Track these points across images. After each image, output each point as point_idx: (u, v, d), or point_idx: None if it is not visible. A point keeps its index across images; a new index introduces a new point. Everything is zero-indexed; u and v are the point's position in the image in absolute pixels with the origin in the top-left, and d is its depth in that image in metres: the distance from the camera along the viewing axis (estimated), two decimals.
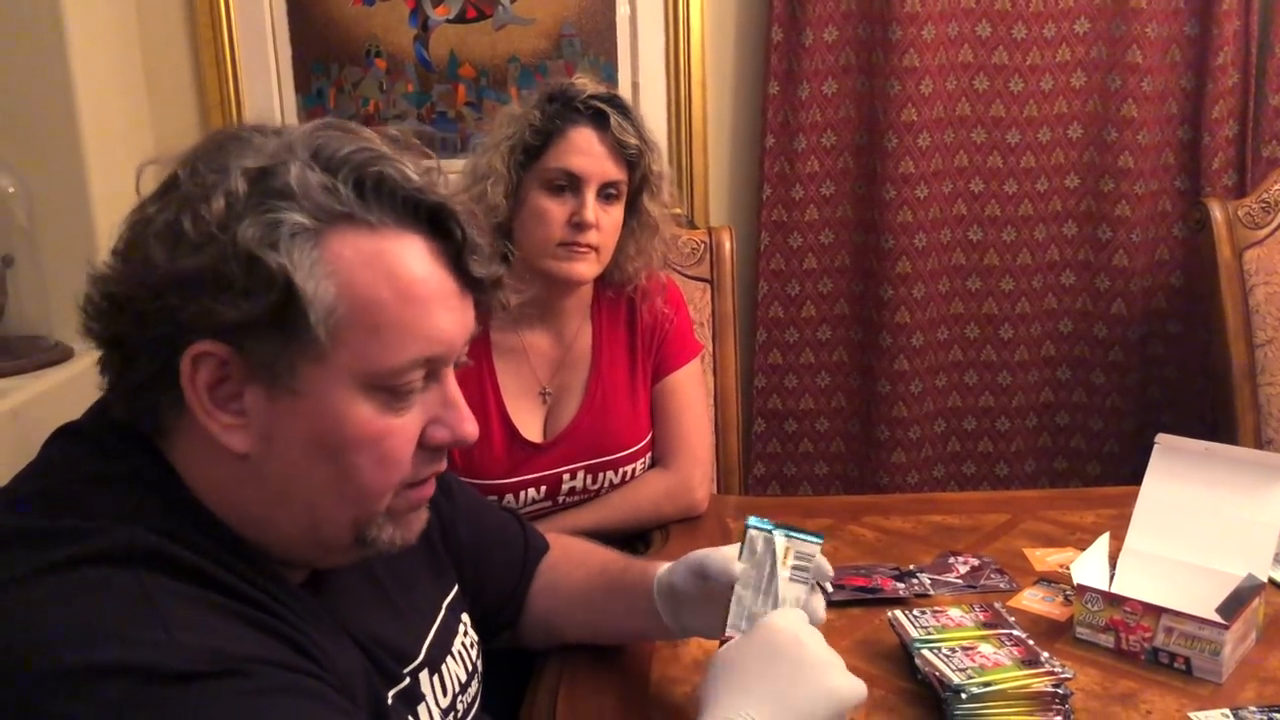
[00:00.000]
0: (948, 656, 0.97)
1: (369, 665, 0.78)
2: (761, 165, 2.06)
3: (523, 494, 1.42)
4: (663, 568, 1.00)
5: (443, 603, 0.93)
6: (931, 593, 1.20)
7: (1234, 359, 1.82)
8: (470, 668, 0.93)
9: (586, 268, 1.39)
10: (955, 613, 1.08)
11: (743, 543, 0.92)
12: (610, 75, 2.04)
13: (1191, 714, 0.96)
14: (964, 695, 0.92)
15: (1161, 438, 1.20)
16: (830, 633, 0.91)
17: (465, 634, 0.95)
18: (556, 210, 1.37)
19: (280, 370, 0.68)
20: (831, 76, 2.02)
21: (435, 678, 0.86)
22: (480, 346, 1.41)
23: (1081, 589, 1.09)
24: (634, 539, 1.45)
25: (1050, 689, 0.93)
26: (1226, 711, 0.96)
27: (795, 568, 0.91)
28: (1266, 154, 2.03)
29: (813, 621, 0.89)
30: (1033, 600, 1.19)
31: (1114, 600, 1.07)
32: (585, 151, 1.37)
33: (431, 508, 0.81)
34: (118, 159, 1.81)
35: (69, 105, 1.71)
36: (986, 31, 2.02)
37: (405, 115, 2.06)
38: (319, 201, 0.68)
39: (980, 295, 2.14)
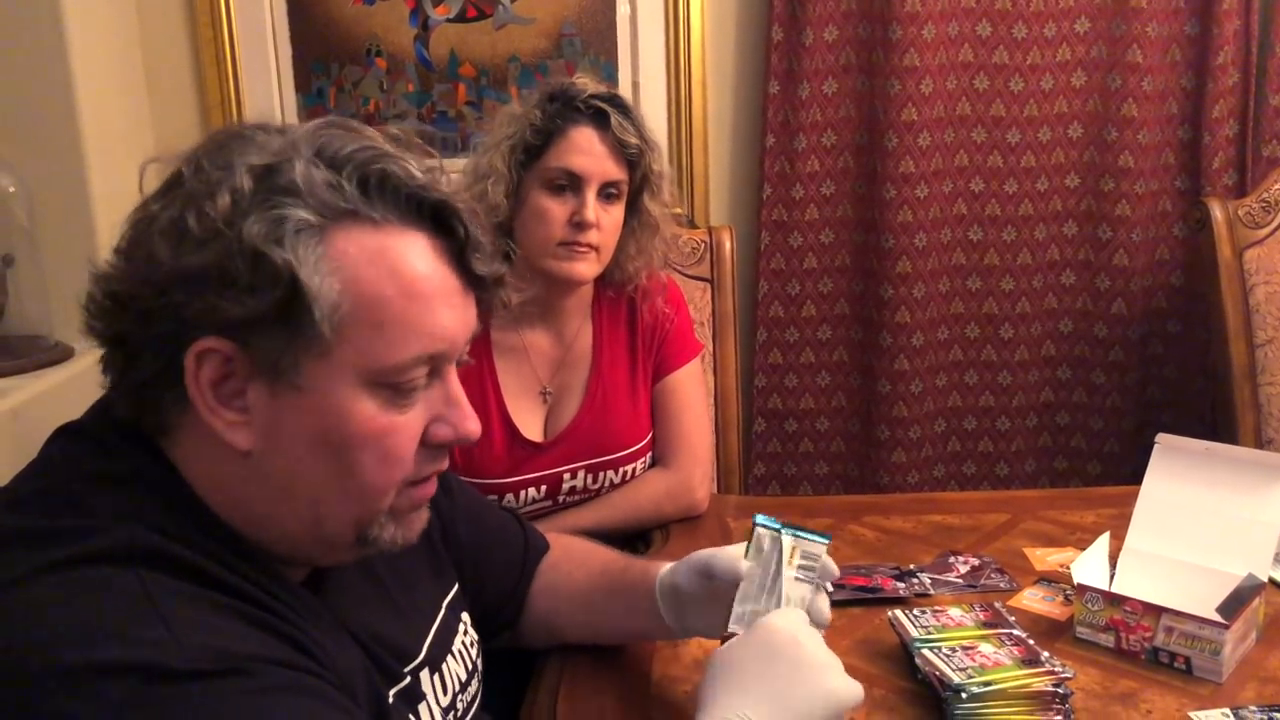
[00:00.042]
0: (948, 656, 0.98)
1: (369, 664, 0.78)
2: (762, 164, 2.06)
3: (523, 493, 1.42)
4: (664, 568, 1.00)
5: (443, 601, 0.93)
6: (932, 592, 1.20)
7: (1234, 359, 1.82)
8: (470, 666, 0.93)
9: (587, 267, 1.39)
10: (955, 612, 1.08)
11: (749, 541, 0.92)
12: (610, 75, 2.04)
13: (1192, 713, 0.96)
14: (964, 695, 0.92)
15: (1162, 437, 1.20)
16: (830, 632, 0.92)
17: (465, 633, 0.95)
18: (557, 210, 1.37)
19: (284, 367, 0.68)
20: (832, 76, 2.02)
21: (436, 676, 0.86)
22: (481, 346, 1.41)
23: (1082, 588, 1.10)
24: (634, 539, 1.45)
25: (1050, 689, 0.93)
26: (1227, 711, 0.96)
27: (801, 567, 0.91)
28: (1266, 153, 2.03)
29: (818, 623, 0.90)
30: (1033, 600, 1.19)
31: (1114, 600, 1.07)
32: (586, 151, 1.37)
33: (431, 506, 0.81)
34: (118, 158, 1.81)
35: (69, 105, 1.71)
36: (987, 31, 2.02)
37: (406, 115, 2.06)
38: (324, 198, 0.68)
39: (980, 295, 2.14)
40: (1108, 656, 1.06)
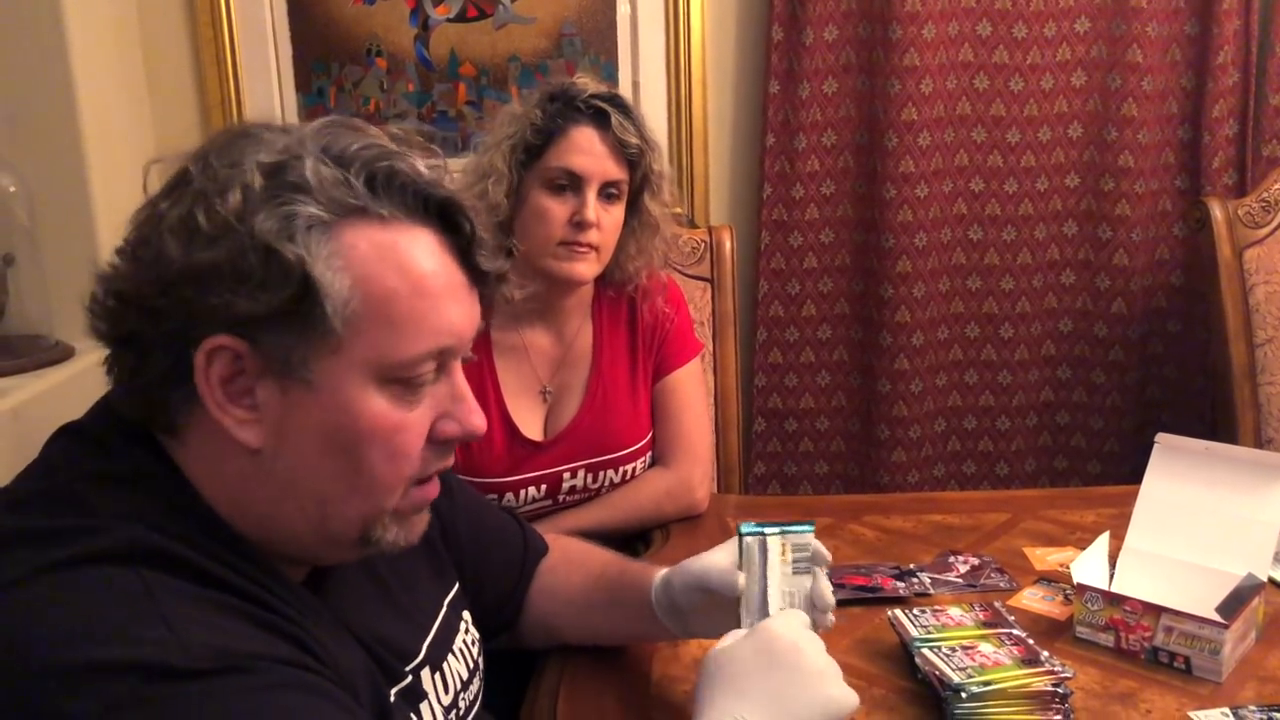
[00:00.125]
0: (948, 655, 0.98)
1: (371, 663, 0.78)
2: (762, 164, 2.06)
3: (523, 492, 1.42)
4: (658, 576, 1.00)
5: (444, 600, 0.94)
6: (931, 592, 1.20)
7: (1234, 358, 1.83)
8: (471, 665, 0.93)
9: (587, 267, 1.39)
10: (955, 612, 1.08)
11: (740, 552, 0.92)
12: (610, 74, 2.04)
13: (1191, 713, 0.96)
14: (964, 694, 0.92)
15: (1161, 437, 1.21)
16: (830, 632, 0.92)
17: (466, 631, 0.95)
18: (557, 209, 1.37)
19: (295, 363, 0.68)
20: (832, 75, 2.02)
21: (437, 675, 0.86)
22: (481, 345, 1.41)
23: (1081, 588, 1.10)
24: (634, 538, 1.45)
25: (1050, 688, 0.93)
26: (1226, 710, 0.96)
27: (795, 560, 0.92)
28: (1266, 153, 2.03)
29: (823, 605, 0.91)
30: (1033, 599, 1.19)
31: (1114, 599, 1.07)
32: (586, 151, 1.37)
33: (432, 506, 0.81)
34: (119, 158, 1.81)
35: (70, 104, 1.71)
36: (987, 30, 2.02)
37: (406, 114, 2.06)
38: (333, 195, 0.68)
39: (980, 294, 2.14)
40: (1107, 656, 1.07)
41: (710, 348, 1.79)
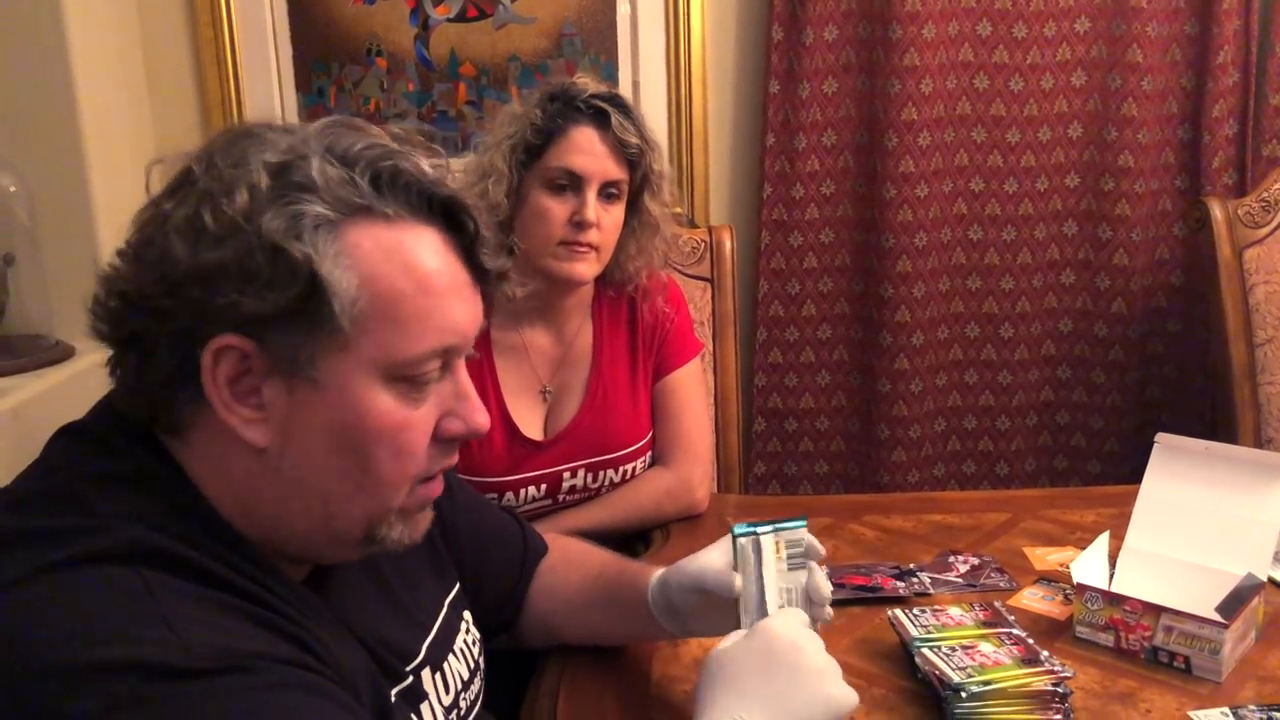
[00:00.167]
0: (948, 655, 0.98)
1: (372, 663, 0.78)
2: (762, 164, 2.06)
3: (523, 492, 1.42)
4: (654, 577, 1.00)
5: (445, 600, 0.94)
6: (931, 591, 1.20)
7: (1234, 358, 1.83)
8: (472, 665, 0.93)
9: (587, 267, 1.39)
10: (955, 611, 1.08)
11: (734, 553, 0.92)
12: (610, 74, 2.04)
13: (1191, 713, 0.96)
14: (964, 694, 0.92)
15: (1161, 437, 1.21)
16: (830, 632, 0.92)
17: (467, 631, 0.95)
18: (557, 209, 1.37)
19: (302, 362, 0.68)
20: (832, 75, 2.02)
21: (438, 675, 0.86)
22: (481, 344, 1.40)
23: (1081, 588, 1.10)
24: (634, 538, 1.45)
25: (1050, 688, 0.93)
26: (1226, 710, 0.96)
27: (789, 557, 0.92)
28: (1266, 153, 2.03)
29: (819, 599, 0.91)
30: (1033, 599, 1.19)
31: (1114, 599, 1.07)
32: (586, 151, 1.37)
33: (433, 506, 0.82)
34: (119, 158, 1.81)
35: (70, 104, 1.71)
36: (987, 30, 2.02)
37: (406, 114, 2.06)
38: (339, 194, 0.68)
39: (980, 294, 2.14)
40: (1107, 656, 1.07)
41: (710, 348, 1.79)
